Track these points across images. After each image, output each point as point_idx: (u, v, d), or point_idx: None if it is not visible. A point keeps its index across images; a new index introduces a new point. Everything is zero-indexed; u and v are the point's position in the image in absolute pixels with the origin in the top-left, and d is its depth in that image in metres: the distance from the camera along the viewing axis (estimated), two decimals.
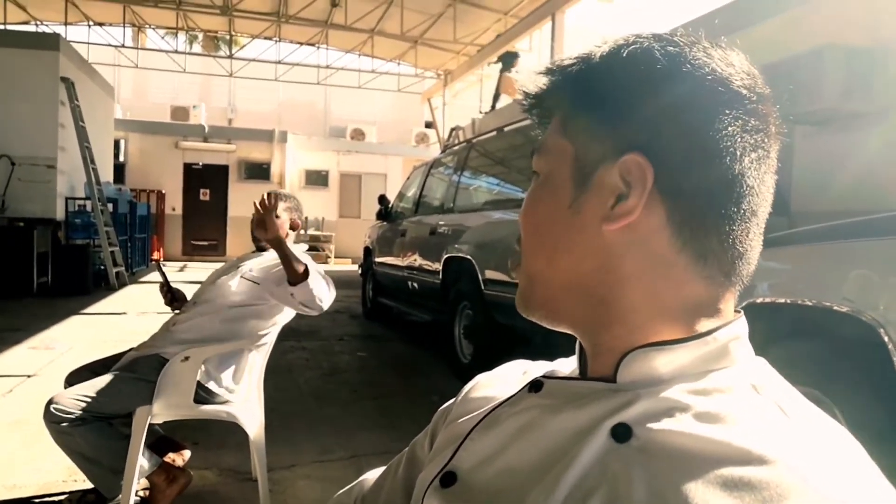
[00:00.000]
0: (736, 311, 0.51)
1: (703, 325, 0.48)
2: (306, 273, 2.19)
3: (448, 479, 0.52)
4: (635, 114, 0.48)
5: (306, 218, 15.63)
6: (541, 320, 0.55)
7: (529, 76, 0.56)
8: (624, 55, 0.49)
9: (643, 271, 0.48)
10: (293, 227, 2.64)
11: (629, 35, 0.51)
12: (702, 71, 0.47)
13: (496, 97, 10.73)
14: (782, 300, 2.01)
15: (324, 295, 2.25)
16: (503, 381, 0.64)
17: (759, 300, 2.06)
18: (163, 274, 2.66)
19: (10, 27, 12.47)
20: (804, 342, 1.97)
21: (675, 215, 0.47)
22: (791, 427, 0.42)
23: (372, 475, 0.73)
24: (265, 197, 2.27)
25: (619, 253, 0.49)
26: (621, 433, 0.44)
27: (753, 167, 0.48)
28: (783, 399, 0.44)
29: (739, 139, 0.47)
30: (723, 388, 0.45)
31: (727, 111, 0.47)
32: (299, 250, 2.59)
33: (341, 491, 0.75)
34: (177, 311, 2.57)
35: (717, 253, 0.48)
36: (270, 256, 2.49)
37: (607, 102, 0.49)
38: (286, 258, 2.19)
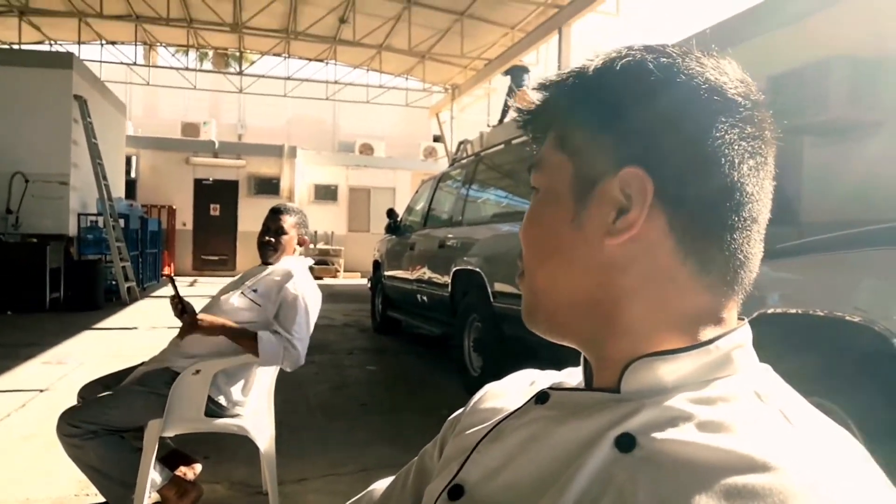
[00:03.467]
0: (740, 318, 0.51)
1: (706, 333, 0.48)
2: (254, 339, 2.28)
3: (455, 492, 0.52)
4: (631, 126, 0.48)
5: (315, 232, 15.69)
6: (545, 334, 0.55)
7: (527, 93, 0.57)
8: (617, 68, 0.49)
9: (646, 283, 0.49)
10: (300, 243, 2.66)
11: (621, 48, 0.51)
12: (696, 80, 0.47)
13: (505, 111, 10.76)
14: (794, 310, 2.00)
15: (276, 360, 2.32)
16: (511, 391, 0.64)
17: (771, 311, 2.05)
18: (175, 287, 2.68)
19: (24, 47, 12.66)
20: (816, 353, 1.95)
21: (677, 226, 0.47)
22: (795, 434, 0.41)
23: (380, 485, 0.73)
24: (171, 303, 2.39)
25: (622, 266, 0.49)
26: (625, 443, 0.44)
27: (752, 174, 0.48)
28: (787, 406, 0.44)
29: (737, 146, 0.47)
30: (726, 397, 0.45)
31: (723, 119, 0.47)
32: (305, 264, 2.61)
33: (350, 501, 0.75)
34: None
35: (718, 262, 0.48)
36: (271, 271, 2.51)
37: (603, 115, 0.49)
38: (232, 337, 2.31)
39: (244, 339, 2.29)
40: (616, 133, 0.49)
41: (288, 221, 2.60)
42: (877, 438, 1.64)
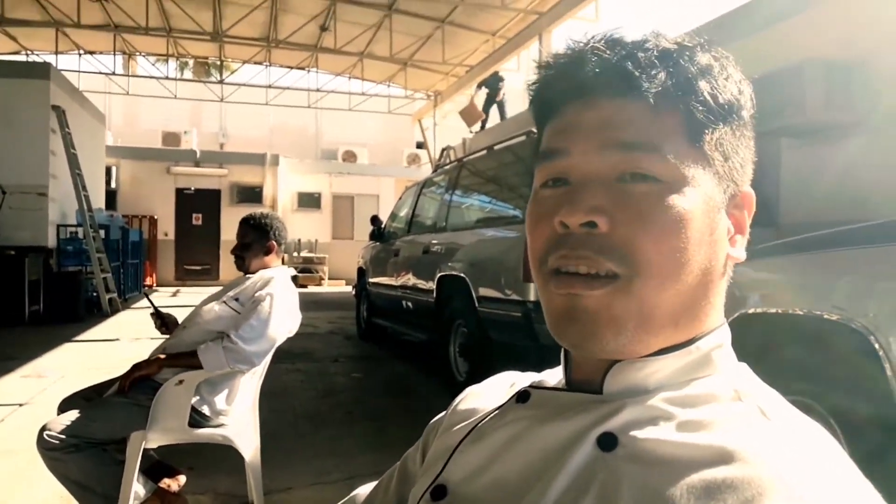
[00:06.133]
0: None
1: (690, 333, 0.49)
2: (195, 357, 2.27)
3: (438, 492, 0.53)
4: (753, 149, 0.53)
5: (299, 240, 15.60)
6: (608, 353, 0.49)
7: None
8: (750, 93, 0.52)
9: (720, 293, 0.51)
10: (269, 251, 2.63)
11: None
12: None
13: (485, 118, 10.83)
14: (773, 310, 2.03)
15: (220, 364, 2.28)
16: (492, 392, 0.65)
17: (751, 311, 2.07)
18: (150, 302, 2.67)
19: (0, 57, 12.51)
20: (797, 351, 1.98)
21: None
22: (772, 427, 0.42)
23: (364, 490, 0.73)
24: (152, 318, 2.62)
25: (720, 277, 0.51)
26: (607, 442, 0.44)
27: None
28: (765, 402, 0.45)
29: None
30: (706, 396, 0.46)
31: None
32: (287, 274, 2.59)
33: None
34: (168, 337, 2.56)
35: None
36: (253, 281, 2.50)
37: (748, 133, 0.52)
38: (176, 364, 2.30)
39: (186, 359, 2.28)
40: (750, 153, 0.52)
41: (252, 232, 2.60)
42: (856, 435, 1.67)
